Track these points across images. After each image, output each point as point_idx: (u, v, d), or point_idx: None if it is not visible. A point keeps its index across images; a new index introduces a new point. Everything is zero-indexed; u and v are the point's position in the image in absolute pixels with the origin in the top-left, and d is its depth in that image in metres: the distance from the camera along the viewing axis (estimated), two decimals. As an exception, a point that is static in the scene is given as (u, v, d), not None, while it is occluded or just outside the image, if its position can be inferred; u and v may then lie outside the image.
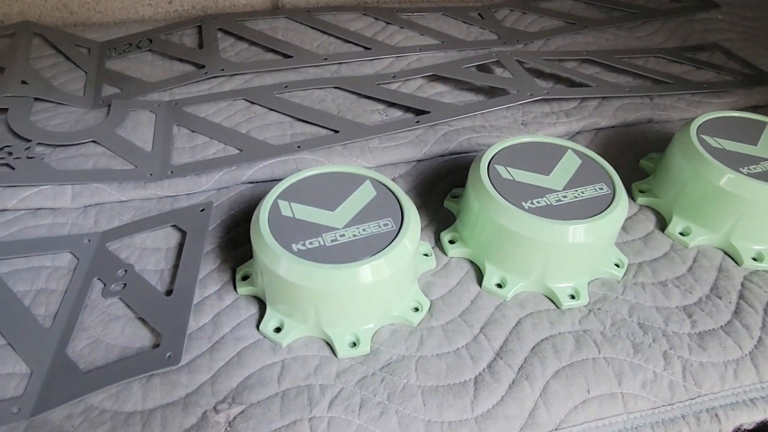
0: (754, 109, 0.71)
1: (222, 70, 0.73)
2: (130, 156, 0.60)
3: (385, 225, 0.45)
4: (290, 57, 0.77)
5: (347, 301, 0.42)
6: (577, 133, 0.68)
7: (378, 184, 0.49)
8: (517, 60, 0.75)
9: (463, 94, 0.72)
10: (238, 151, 0.62)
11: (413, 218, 0.45)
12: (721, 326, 0.46)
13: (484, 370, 0.43)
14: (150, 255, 0.51)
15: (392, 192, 0.48)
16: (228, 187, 0.59)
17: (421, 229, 0.55)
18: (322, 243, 0.43)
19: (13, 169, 0.57)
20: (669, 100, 0.71)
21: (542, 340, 0.45)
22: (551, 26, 0.87)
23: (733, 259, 0.52)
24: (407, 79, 0.74)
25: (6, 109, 0.64)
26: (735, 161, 0.51)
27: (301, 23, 0.84)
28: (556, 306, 0.48)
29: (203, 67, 0.74)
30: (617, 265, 0.51)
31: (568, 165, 0.51)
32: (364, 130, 0.64)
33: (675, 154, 0.55)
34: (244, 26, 0.82)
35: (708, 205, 0.52)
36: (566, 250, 0.45)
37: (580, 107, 0.70)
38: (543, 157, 0.52)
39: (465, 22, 0.87)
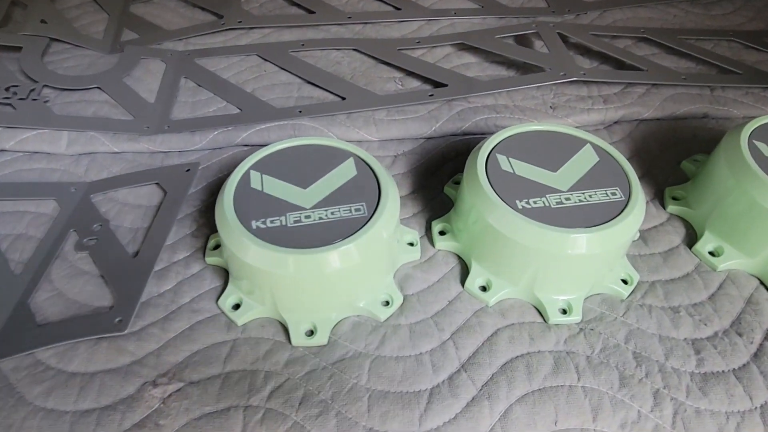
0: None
1: (239, 22, 0.70)
2: (130, 106, 0.59)
3: (357, 210, 0.41)
4: (313, 13, 0.72)
5: (300, 288, 0.39)
6: (615, 123, 0.59)
7: (361, 163, 0.44)
8: (559, 33, 0.66)
9: (492, 68, 0.66)
10: (238, 111, 0.59)
11: (389, 206, 0.41)
12: (733, 369, 0.39)
13: (443, 381, 0.39)
14: (129, 212, 0.50)
15: (374, 173, 0.44)
16: (222, 147, 0.57)
17: (413, 215, 0.51)
18: (283, 223, 0.40)
19: (15, 109, 0.57)
20: (733, 93, 0.61)
21: (516, 357, 0.40)
22: (612, -4, 0.77)
23: (768, 290, 0.45)
24: (433, 46, 0.67)
25: (20, 48, 0.64)
26: (789, 177, 0.43)
27: (333, -24, 0.78)
28: (544, 320, 0.43)
29: (222, 17, 0.71)
30: (624, 282, 0.44)
31: (582, 162, 0.45)
32: (373, 99, 0.59)
33: (718, 158, 0.47)
34: (272, -24, 0.78)
35: (747, 224, 0.45)
36: (555, 260, 0.40)
37: (622, 93, 0.61)
38: (555, 150, 0.46)
39: (512, -14, 0.78)
